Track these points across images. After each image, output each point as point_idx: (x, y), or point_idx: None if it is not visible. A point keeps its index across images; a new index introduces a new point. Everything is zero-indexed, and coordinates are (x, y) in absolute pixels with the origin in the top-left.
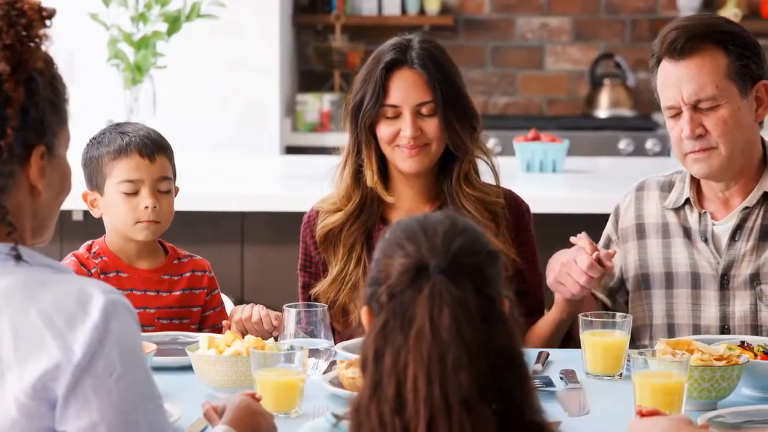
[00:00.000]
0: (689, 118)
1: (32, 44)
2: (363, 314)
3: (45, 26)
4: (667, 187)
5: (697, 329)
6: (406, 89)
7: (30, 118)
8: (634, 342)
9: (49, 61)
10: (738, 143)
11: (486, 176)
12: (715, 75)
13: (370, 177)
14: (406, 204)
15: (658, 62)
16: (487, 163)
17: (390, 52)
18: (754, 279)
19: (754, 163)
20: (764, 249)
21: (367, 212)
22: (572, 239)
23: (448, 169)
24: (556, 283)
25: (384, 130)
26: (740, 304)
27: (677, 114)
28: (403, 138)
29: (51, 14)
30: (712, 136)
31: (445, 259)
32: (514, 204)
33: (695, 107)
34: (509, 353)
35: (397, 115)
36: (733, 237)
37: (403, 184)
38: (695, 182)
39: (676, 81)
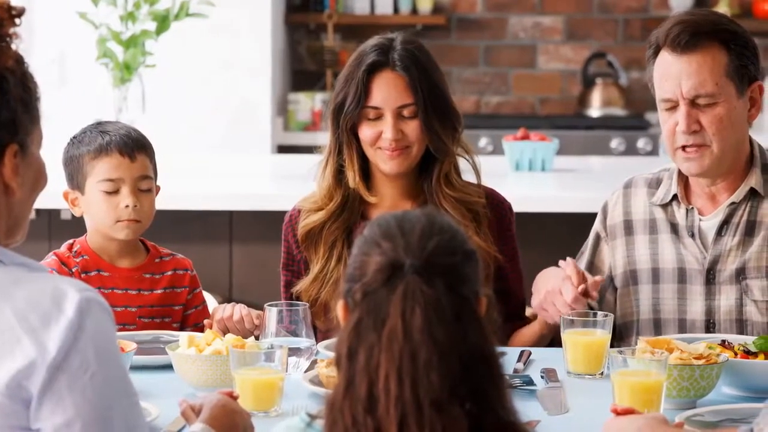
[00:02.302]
0: (686, 112)
1: (2, 43)
2: (339, 309)
3: (15, 25)
4: (654, 184)
5: (683, 324)
6: (387, 91)
7: (2, 117)
8: (621, 338)
9: (19, 60)
10: (730, 142)
11: (470, 175)
12: (715, 72)
13: (352, 178)
14: (388, 202)
15: (656, 53)
16: (468, 161)
17: (372, 54)
18: (740, 274)
19: (741, 161)
20: (750, 244)
21: (348, 210)
22: (560, 263)
23: (429, 169)
24: (540, 308)
25: (365, 132)
26: (726, 299)
27: (673, 107)
28: (384, 140)
29: (20, 12)
30: (707, 132)
31: (419, 259)
32: (496, 203)
33: (693, 102)
34: (483, 353)
35: (378, 117)
36: (720, 232)
37: (384, 183)
38: (683, 178)
39: (676, 74)
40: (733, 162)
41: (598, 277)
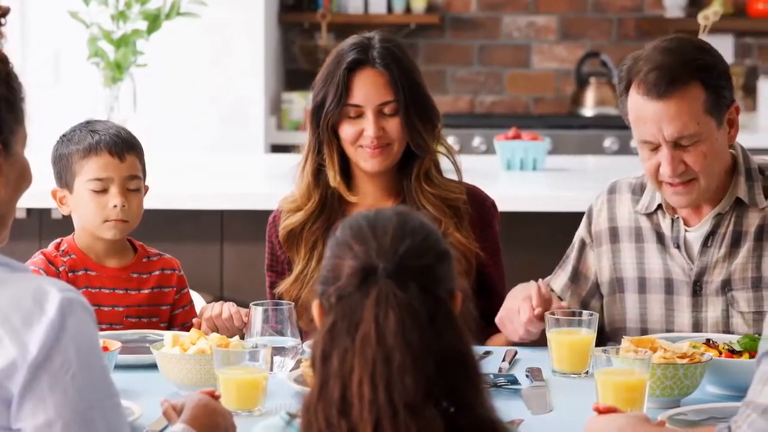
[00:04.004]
0: (670, 156)
1: None
2: (314, 309)
3: None
4: (638, 189)
5: None
6: (368, 89)
7: None
8: (608, 344)
9: (4, 60)
10: (715, 171)
11: (453, 174)
12: (695, 112)
13: (333, 177)
14: (368, 200)
15: (628, 88)
16: (448, 158)
17: (352, 52)
18: (726, 285)
19: (724, 173)
20: (736, 255)
21: (328, 210)
22: (531, 283)
23: (409, 166)
24: (500, 323)
25: (347, 130)
26: (712, 311)
27: (655, 148)
28: (365, 138)
29: (5, 12)
30: (693, 169)
31: (392, 262)
32: (478, 199)
33: (676, 144)
34: (458, 352)
35: (359, 115)
36: (706, 243)
37: (365, 182)
38: None
39: (654, 118)
40: (717, 181)
41: (564, 303)
